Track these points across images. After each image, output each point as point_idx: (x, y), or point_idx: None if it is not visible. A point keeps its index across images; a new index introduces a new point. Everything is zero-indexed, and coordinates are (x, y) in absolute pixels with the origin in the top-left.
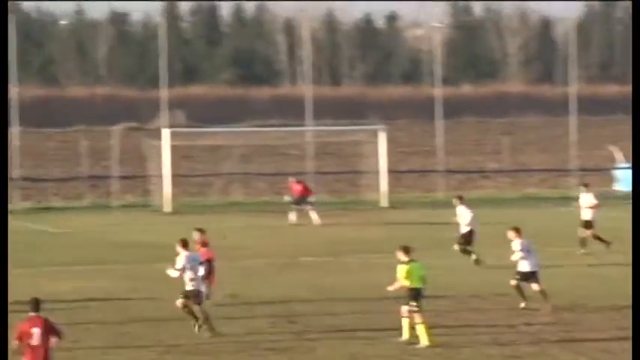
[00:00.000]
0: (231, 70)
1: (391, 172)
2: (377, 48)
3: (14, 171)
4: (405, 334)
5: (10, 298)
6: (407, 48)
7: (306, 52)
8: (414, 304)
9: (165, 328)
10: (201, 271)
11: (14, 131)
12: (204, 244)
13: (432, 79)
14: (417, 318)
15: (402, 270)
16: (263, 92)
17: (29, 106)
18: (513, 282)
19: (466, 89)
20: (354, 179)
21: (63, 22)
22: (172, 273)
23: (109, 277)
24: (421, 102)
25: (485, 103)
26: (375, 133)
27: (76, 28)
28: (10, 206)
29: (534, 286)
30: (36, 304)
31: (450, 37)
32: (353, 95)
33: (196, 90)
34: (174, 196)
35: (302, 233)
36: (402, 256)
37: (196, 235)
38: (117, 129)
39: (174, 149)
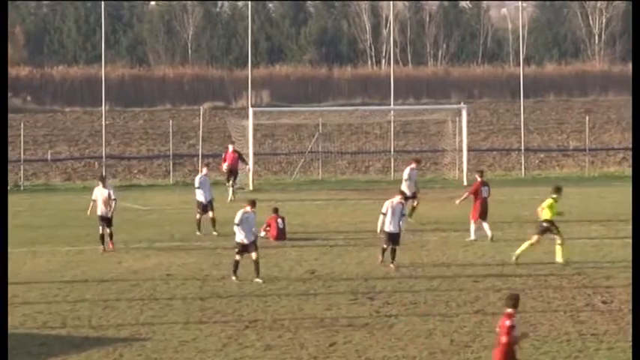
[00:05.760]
0: (315, 49)
1: (472, 150)
2: (461, 27)
3: (101, 149)
4: None
5: (96, 274)
6: (491, 27)
7: (390, 31)
8: None
9: (245, 303)
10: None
11: (102, 110)
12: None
13: (515, 58)
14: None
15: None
16: (346, 72)
17: (117, 86)
18: (384, 245)
19: (549, 68)
20: (435, 158)
21: (152, 3)
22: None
23: (193, 253)
24: (504, 81)
25: (568, 82)
26: (457, 112)
27: (165, 8)
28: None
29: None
30: (514, 300)
31: (534, 16)
32: (436, 74)
33: (281, 70)
34: (258, 174)
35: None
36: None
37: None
38: (202, 108)
39: (258, 128)
